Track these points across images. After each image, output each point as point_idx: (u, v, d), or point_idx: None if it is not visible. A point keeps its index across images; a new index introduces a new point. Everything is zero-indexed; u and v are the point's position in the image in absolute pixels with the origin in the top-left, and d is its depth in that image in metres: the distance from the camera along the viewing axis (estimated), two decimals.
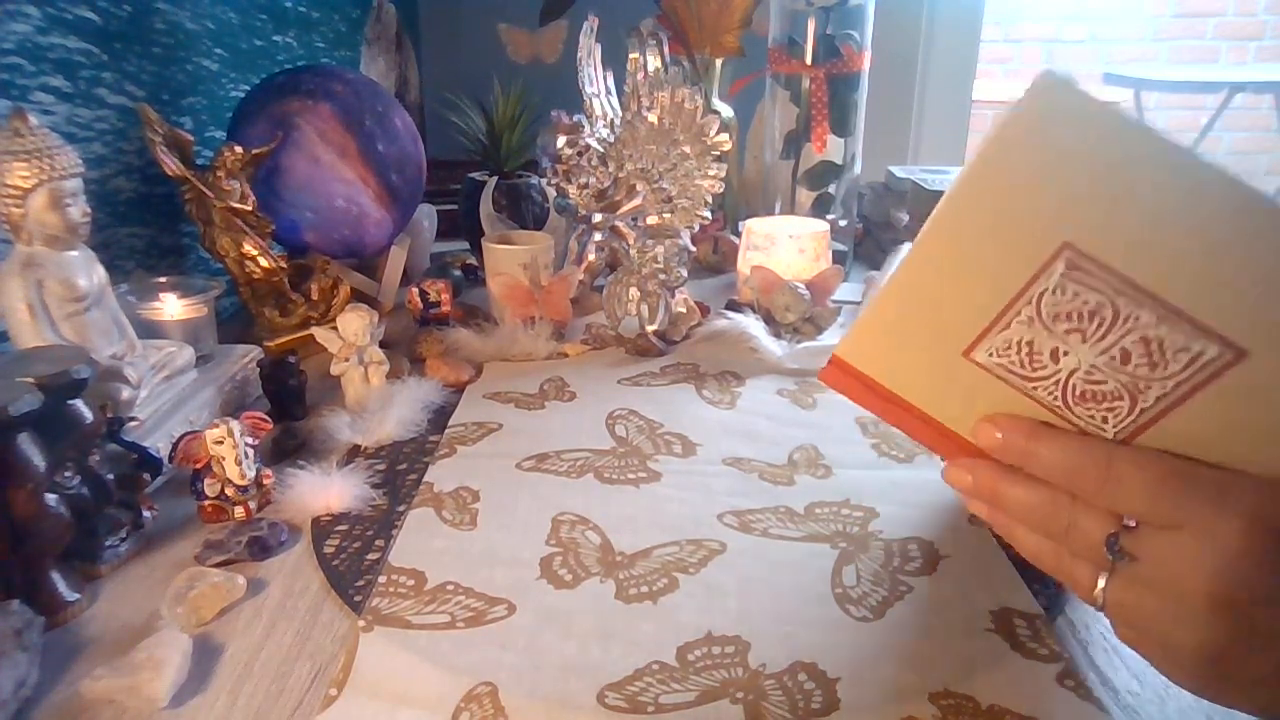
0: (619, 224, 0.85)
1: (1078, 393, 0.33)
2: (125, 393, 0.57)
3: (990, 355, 0.34)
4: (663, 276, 0.81)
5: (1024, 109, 0.27)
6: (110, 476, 0.50)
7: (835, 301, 0.90)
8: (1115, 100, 0.32)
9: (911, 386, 0.37)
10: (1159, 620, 0.31)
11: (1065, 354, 0.32)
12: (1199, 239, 0.27)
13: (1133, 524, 0.32)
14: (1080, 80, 0.26)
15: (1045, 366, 0.33)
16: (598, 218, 0.87)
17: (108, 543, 0.51)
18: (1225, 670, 0.31)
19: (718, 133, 0.78)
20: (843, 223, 1.05)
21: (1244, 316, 0.28)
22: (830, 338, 0.84)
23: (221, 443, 0.54)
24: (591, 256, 0.89)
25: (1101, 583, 0.33)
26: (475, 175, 1.09)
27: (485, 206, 1.03)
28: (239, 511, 0.55)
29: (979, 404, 0.36)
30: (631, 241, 0.83)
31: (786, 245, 0.89)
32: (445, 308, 0.88)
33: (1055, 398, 0.33)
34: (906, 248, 0.49)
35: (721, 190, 0.81)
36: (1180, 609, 0.30)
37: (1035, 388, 0.33)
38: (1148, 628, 0.32)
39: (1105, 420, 0.33)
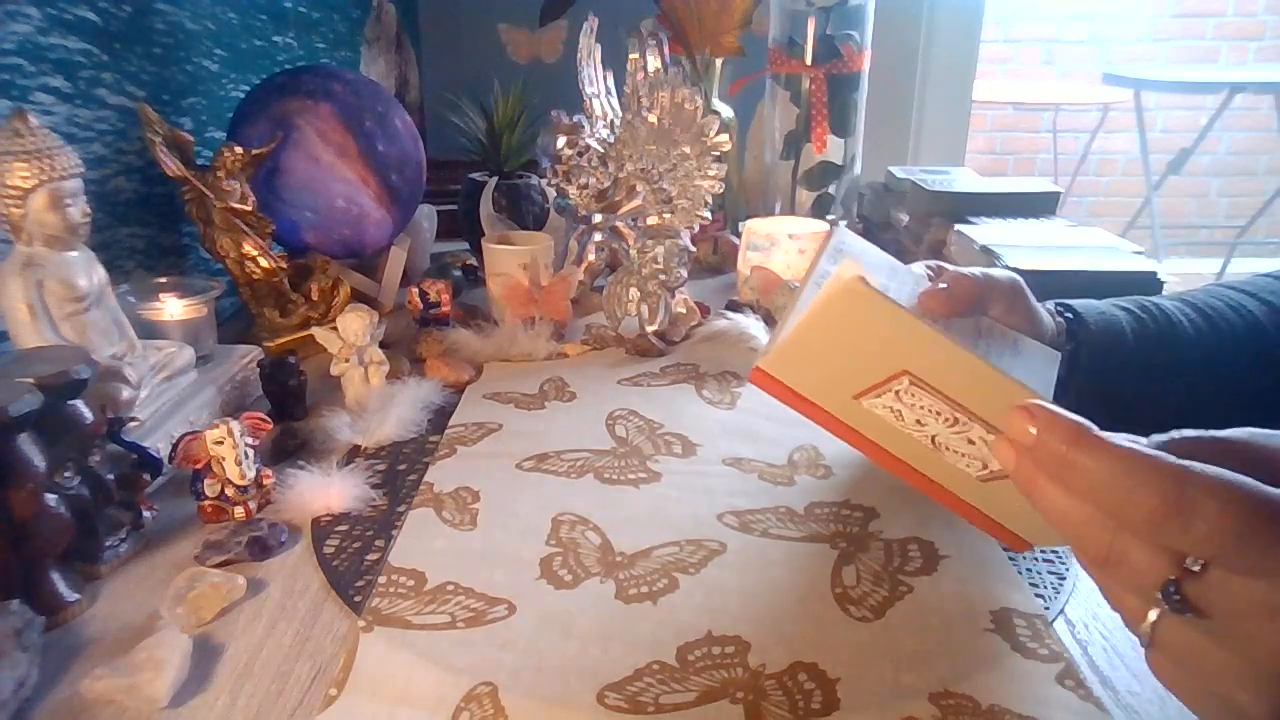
0: (619, 224, 0.85)
1: (944, 446, 0.39)
2: (125, 393, 0.57)
3: (873, 406, 0.40)
4: (663, 277, 0.81)
5: (838, 299, 0.36)
6: (110, 476, 0.50)
7: None
8: (889, 300, 0.37)
9: (826, 400, 0.43)
10: (1221, 678, 0.27)
11: (925, 425, 0.39)
12: (991, 395, 0.35)
13: (1197, 567, 0.26)
14: (868, 282, 0.35)
15: (914, 427, 0.40)
16: (598, 218, 0.87)
17: (108, 543, 0.51)
18: None
19: (718, 133, 0.78)
20: (843, 223, 1.05)
21: None
22: None
23: (221, 443, 0.54)
24: (591, 257, 0.89)
25: (1153, 616, 0.28)
26: (475, 175, 1.09)
27: (485, 207, 1.04)
28: (239, 512, 0.55)
29: (877, 428, 0.42)
30: (631, 242, 0.83)
31: (786, 245, 0.89)
32: (445, 308, 0.88)
33: (927, 444, 0.40)
34: (840, 234, 0.52)
35: (721, 190, 0.81)
36: (1255, 671, 0.26)
37: (911, 434, 0.40)
38: (1202, 679, 0.28)
39: (968, 467, 0.40)
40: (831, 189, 1.04)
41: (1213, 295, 0.60)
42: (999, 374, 0.35)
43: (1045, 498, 0.29)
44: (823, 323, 0.38)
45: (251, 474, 0.56)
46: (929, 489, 0.44)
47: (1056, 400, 0.53)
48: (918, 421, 0.39)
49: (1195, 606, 0.26)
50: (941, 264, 0.55)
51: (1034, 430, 0.28)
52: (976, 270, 0.52)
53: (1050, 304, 0.59)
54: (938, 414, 0.38)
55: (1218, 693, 0.27)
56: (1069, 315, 0.58)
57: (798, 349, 0.41)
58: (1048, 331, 0.55)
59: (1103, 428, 0.29)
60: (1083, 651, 0.44)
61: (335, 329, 0.70)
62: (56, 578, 0.47)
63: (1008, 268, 0.78)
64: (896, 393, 0.38)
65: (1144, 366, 0.56)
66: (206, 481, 0.55)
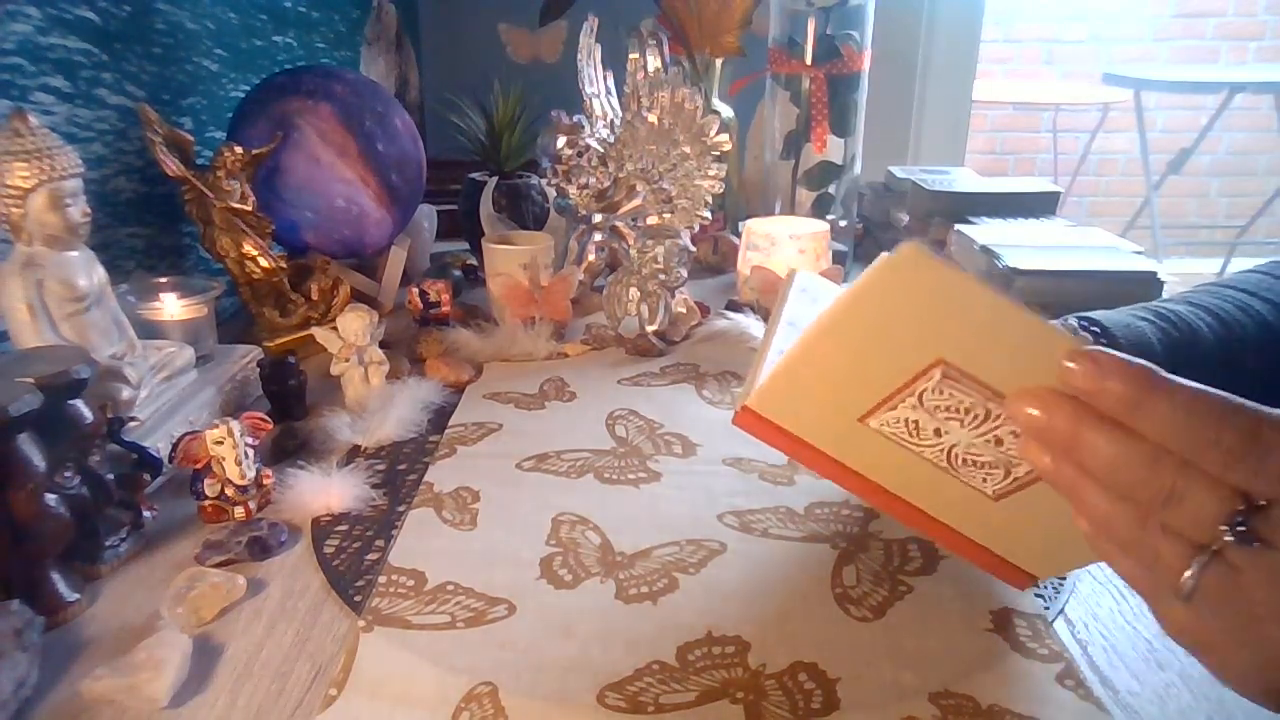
0: (619, 224, 0.85)
1: (960, 460, 0.37)
2: (125, 393, 0.57)
3: (882, 425, 0.37)
4: (663, 277, 0.81)
5: (893, 269, 0.31)
6: (110, 476, 0.50)
7: None
8: (960, 266, 0.35)
9: (817, 436, 0.41)
10: (1269, 616, 0.27)
11: (947, 433, 0.36)
12: (1033, 366, 0.31)
13: (1262, 503, 0.27)
14: (933, 250, 0.31)
15: (929, 439, 0.37)
16: (598, 218, 0.87)
17: (108, 543, 0.51)
18: None
19: (718, 133, 0.78)
20: (843, 223, 1.05)
21: None
22: None
23: (222, 443, 0.54)
24: (591, 256, 0.89)
25: (1194, 568, 0.28)
26: (475, 175, 1.09)
27: (485, 206, 1.04)
28: (239, 512, 0.55)
29: (878, 457, 0.39)
30: (631, 241, 0.83)
31: (786, 245, 0.89)
32: (445, 308, 0.88)
33: (941, 460, 0.37)
34: (801, 277, 0.53)
35: (721, 190, 0.81)
36: None
37: (923, 451, 0.37)
38: (1245, 624, 0.28)
39: (985, 481, 0.37)
40: (831, 189, 1.04)
41: (1217, 297, 0.59)
42: (1056, 331, 0.30)
43: (1091, 447, 0.29)
44: (849, 318, 0.34)
45: (251, 474, 0.56)
46: (927, 526, 0.42)
47: None
48: (936, 431, 0.36)
49: (1260, 537, 0.27)
50: None
51: (1097, 378, 0.29)
52: None
53: (1071, 319, 0.58)
54: (966, 412, 0.35)
55: (1261, 638, 0.28)
56: (1095, 329, 0.57)
57: (799, 365, 0.38)
58: None
59: None
60: (1083, 651, 0.44)
61: (335, 329, 0.70)
62: (56, 578, 0.47)
63: (1008, 269, 0.78)
64: (920, 395, 0.35)
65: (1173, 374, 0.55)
66: (206, 481, 0.55)
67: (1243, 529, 0.27)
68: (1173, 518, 0.28)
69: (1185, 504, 0.28)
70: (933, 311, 0.32)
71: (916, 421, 0.36)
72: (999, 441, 0.35)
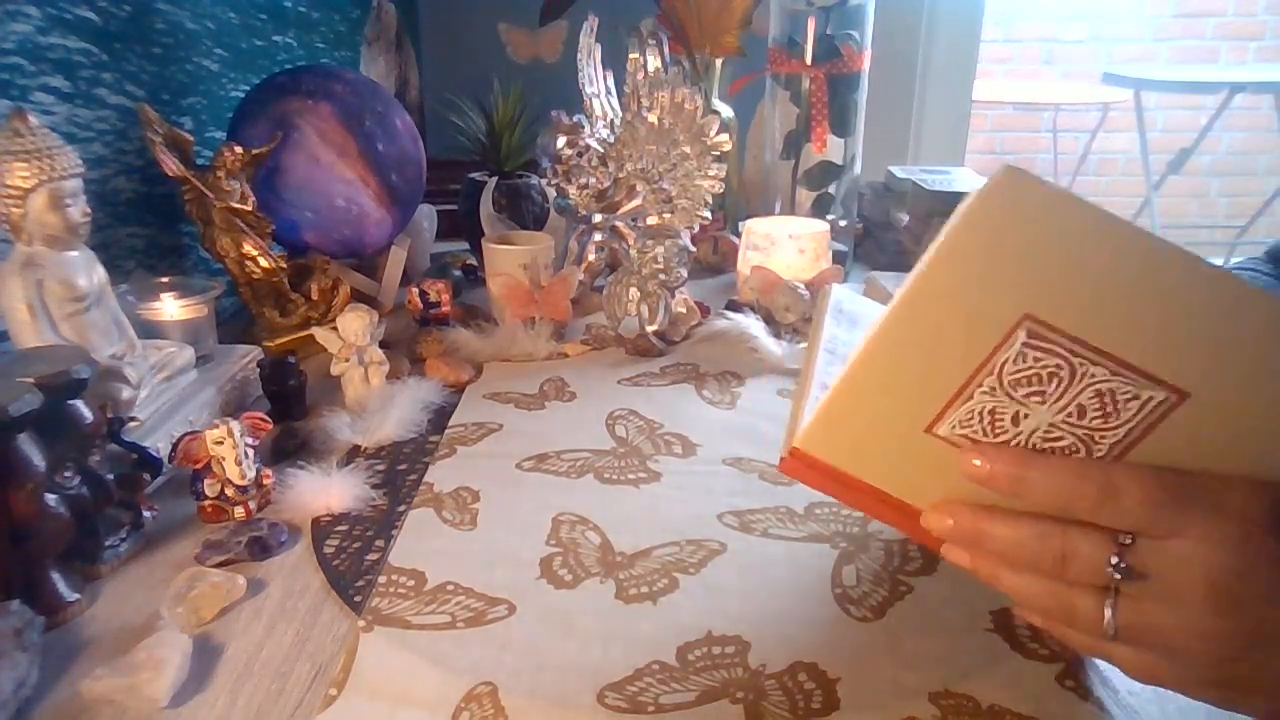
0: (619, 224, 0.85)
1: (1036, 450, 0.34)
2: (125, 393, 0.57)
3: (953, 428, 0.34)
4: (663, 277, 0.81)
5: (987, 199, 0.28)
6: (110, 476, 0.50)
7: None
8: (1064, 187, 0.32)
9: (873, 469, 0.38)
10: (1173, 634, 0.31)
11: (1026, 417, 0.33)
12: (1145, 301, 0.29)
13: (1129, 541, 0.32)
14: (1033, 170, 0.27)
15: (1006, 430, 0.34)
16: (598, 218, 0.87)
17: (108, 543, 0.51)
18: (1241, 673, 0.31)
19: (718, 133, 0.78)
20: (843, 223, 1.05)
21: (1185, 364, 0.31)
22: None
23: (222, 443, 0.54)
24: (591, 256, 0.89)
25: (1108, 612, 0.32)
26: (475, 175, 1.09)
27: (485, 206, 1.04)
28: (239, 512, 0.55)
29: (941, 476, 0.36)
30: (631, 242, 0.83)
31: (786, 245, 0.89)
32: (445, 308, 0.88)
33: None
34: (838, 295, 0.51)
35: (721, 190, 0.81)
36: (1195, 613, 0.31)
37: None
38: (1163, 646, 0.32)
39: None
40: (831, 189, 1.04)
41: None
42: (1200, 262, 0.28)
43: (992, 537, 0.34)
44: (931, 282, 0.31)
45: (251, 474, 0.56)
46: None
47: None
48: (1014, 419, 0.33)
49: (1138, 571, 0.31)
50: None
51: (985, 465, 0.33)
52: None
53: None
54: (1050, 378, 0.32)
55: (1176, 652, 0.32)
56: None
57: (858, 376, 0.34)
58: None
59: None
60: None
61: (335, 329, 0.70)
62: (56, 578, 0.47)
63: None
64: (999, 369, 0.32)
65: None
66: (206, 481, 0.55)
67: (1125, 565, 0.31)
68: (1074, 573, 0.33)
69: (1078, 558, 0.32)
70: (1028, 250, 0.29)
71: (993, 410, 0.33)
72: (1081, 413, 0.32)
